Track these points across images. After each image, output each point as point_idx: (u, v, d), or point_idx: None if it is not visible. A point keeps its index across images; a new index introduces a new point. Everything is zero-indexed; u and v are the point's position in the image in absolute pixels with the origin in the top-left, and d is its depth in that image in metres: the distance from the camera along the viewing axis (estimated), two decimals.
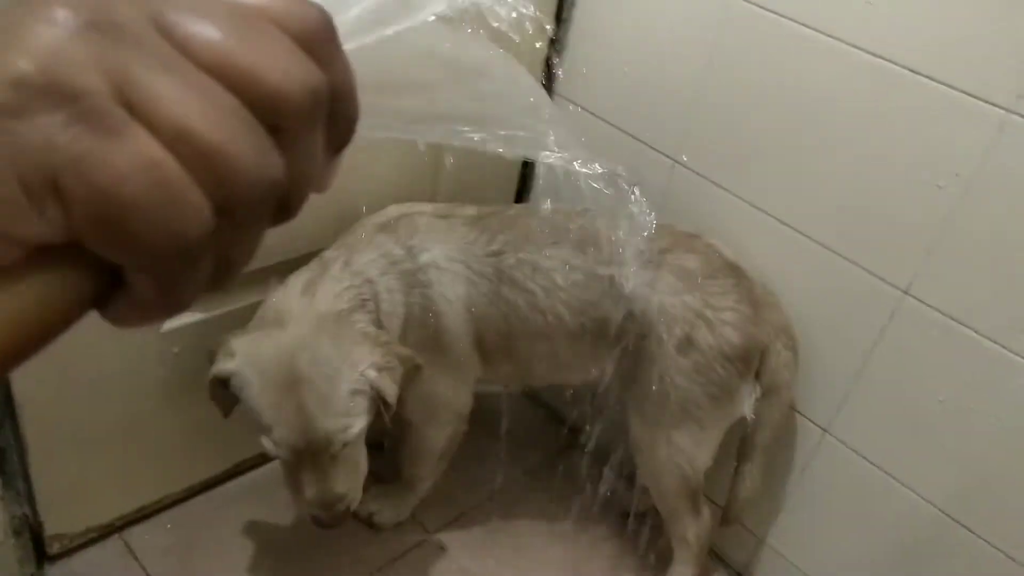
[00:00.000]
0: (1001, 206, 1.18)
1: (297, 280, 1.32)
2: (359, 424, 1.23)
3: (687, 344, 1.36)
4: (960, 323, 1.27)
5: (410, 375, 1.30)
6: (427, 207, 1.48)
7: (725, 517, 1.55)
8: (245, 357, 1.22)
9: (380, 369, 1.23)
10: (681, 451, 1.44)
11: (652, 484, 1.53)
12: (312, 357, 1.20)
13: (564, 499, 1.82)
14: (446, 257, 1.39)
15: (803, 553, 1.62)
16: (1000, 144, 1.16)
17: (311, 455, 1.23)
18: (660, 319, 1.36)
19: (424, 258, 1.38)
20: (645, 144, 1.60)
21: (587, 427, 1.88)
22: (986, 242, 1.21)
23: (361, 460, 1.32)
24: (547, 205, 1.53)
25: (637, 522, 1.79)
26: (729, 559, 1.76)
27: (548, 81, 1.71)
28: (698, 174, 1.53)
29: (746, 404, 1.42)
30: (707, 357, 1.36)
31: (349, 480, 1.29)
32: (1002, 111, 1.15)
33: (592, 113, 1.67)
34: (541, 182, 1.83)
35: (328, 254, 1.37)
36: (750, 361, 1.39)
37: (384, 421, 1.28)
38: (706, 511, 1.56)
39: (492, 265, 1.40)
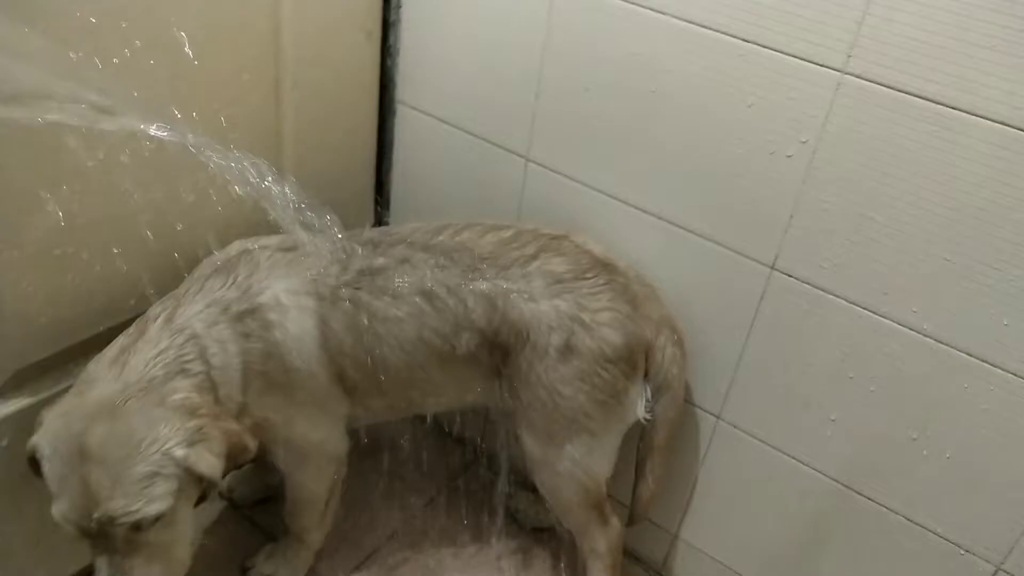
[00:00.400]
0: (849, 169, 1.14)
1: (113, 345, 1.19)
2: (156, 508, 1.08)
3: (567, 351, 1.28)
4: (829, 293, 1.24)
5: (239, 452, 1.18)
6: (273, 240, 1.36)
7: (630, 518, 1.49)
8: (46, 427, 1.10)
9: (193, 443, 1.10)
10: (577, 464, 1.37)
11: (553, 500, 1.46)
12: (105, 433, 1.07)
13: (471, 523, 1.74)
14: (289, 291, 1.26)
15: (715, 542, 1.58)
16: (838, 106, 1.12)
17: (103, 537, 1.09)
18: (536, 329, 1.28)
19: (263, 298, 1.25)
20: (495, 145, 1.51)
21: (483, 445, 1.80)
22: (840, 207, 1.17)
23: (173, 548, 1.15)
24: (409, 224, 1.43)
25: (549, 535, 1.72)
26: (645, 558, 1.71)
27: (385, 89, 1.60)
28: (551, 170, 1.46)
29: (638, 406, 1.35)
30: (589, 362, 1.28)
31: (150, 570, 1.12)
32: (836, 72, 1.10)
33: (438, 119, 1.57)
34: (399, 200, 1.73)
35: (152, 311, 1.24)
36: (635, 361, 1.32)
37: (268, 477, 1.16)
38: (615, 520, 1.49)
39: (347, 296, 1.29)
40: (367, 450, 1.53)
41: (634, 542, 1.67)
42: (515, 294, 1.29)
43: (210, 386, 1.20)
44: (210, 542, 1.65)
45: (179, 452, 1.09)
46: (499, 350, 1.32)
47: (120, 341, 1.20)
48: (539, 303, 1.28)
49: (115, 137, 1.19)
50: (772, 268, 1.27)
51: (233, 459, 1.18)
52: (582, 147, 1.40)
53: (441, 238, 1.34)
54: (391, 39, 1.55)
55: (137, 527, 1.08)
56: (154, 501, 1.08)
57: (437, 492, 1.79)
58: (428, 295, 1.30)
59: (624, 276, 1.34)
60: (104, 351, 1.19)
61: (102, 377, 1.14)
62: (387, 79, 1.59)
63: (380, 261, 1.32)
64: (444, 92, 1.54)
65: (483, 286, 1.29)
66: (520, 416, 1.37)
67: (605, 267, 1.33)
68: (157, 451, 1.08)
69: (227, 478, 1.72)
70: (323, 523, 1.54)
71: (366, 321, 1.29)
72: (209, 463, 1.12)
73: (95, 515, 1.06)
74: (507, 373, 1.34)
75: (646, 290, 1.36)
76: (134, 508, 1.07)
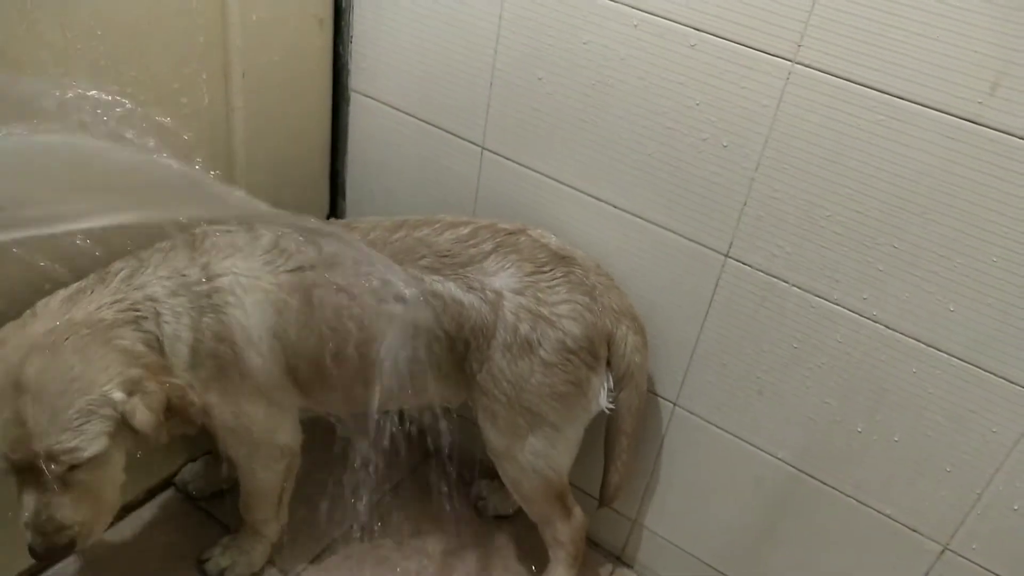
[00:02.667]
0: (799, 157, 1.15)
1: (69, 288, 1.17)
2: (93, 448, 1.08)
3: (528, 345, 1.28)
4: (781, 280, 1.25)
5: (182, 407, 1.16)
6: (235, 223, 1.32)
7: (600, 500, 1.50)
8: None
9: (132, 392, 1.09)
10: (540, 456, 1.37)
11: (516, 492, 1.46)
12: (43, 366, 1.06)
13: (432, 510, 1.73)
14: (249, 276, 1.24)
15: (673, 527, 1.60)
16: (789, 95, 1.12)
17: (32, 472, 1.08)
18: (497, 326, 1.28)
19: (222, 281, 1.23)
20: (451, 133, 1.50)
21: (445, 433, 1.79)
22: (791, 195, 1.18)
23: (104, 490, 1.15)
24: (367, 218, 1.40)
25: (510, 523, 1.73)
26: (605, 543, 1.72)
27: (338, 77, 1.58)
28: (507, 159, 1.45)
29: (601, 396, 1.35)
30: (551, 354, 1.28)
31: (78, 510, 1.12)
32: (787, 62, 1.11)
33: (392, 107, 1.55)
34: (355, 188, 1.71)
35: (114, 265, 1.22)
36: (596, 351, 1.31)
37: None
38: (577, 511, 1.49)
39: (300, 288, 1.28)
40: (325, 439, 1.51)
41: (594, 528, 1.68)
42: (475, 292, 1.28)
43: (158, 347, 1.18)
44: (166, 535, 1.63)
45: (116, 395, 1.08)
46: (460, 346, 1.31)
47: (77, 284, 1.18)
48: (499, 299, 1.28)
49: None
50: (726, 256, 1.28)
51: (176, 414, 1.16)
52: (537, 136, 1.39)
53: (399, 235, 1.33)
54: (344, 26, 1.52)
55: (70, 466, 1.07)
56: (88, 439, 1.07)
57: (400, 480, 1.79)
58: (381, 297, 1.28)
59: (582, 267, 1.34)
60: (57, 292, 1.17)
61: (50, 313, 1.12)
62: (340, 67, 1.57)
63: (333, 256, 1.30)
64: (398, 80, 1.52)
65: (442, 285, 1.28)
66: (483, 410, 1.37)
67: (563, 260, 1.33)
68: (95, 390, 1.07)
69: (183, 471, 1.71)
70: (279, 514, 1.53)
71: (318, 317, 1.28)
72: (143, 416, 1.10)
73: (25, 448, 1.05)
74: (469, 369, 1.33)
75: (604, 280, 1.36)
76: (70, 445, 1.06)
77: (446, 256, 1.29)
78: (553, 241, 1.36)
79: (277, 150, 1.55)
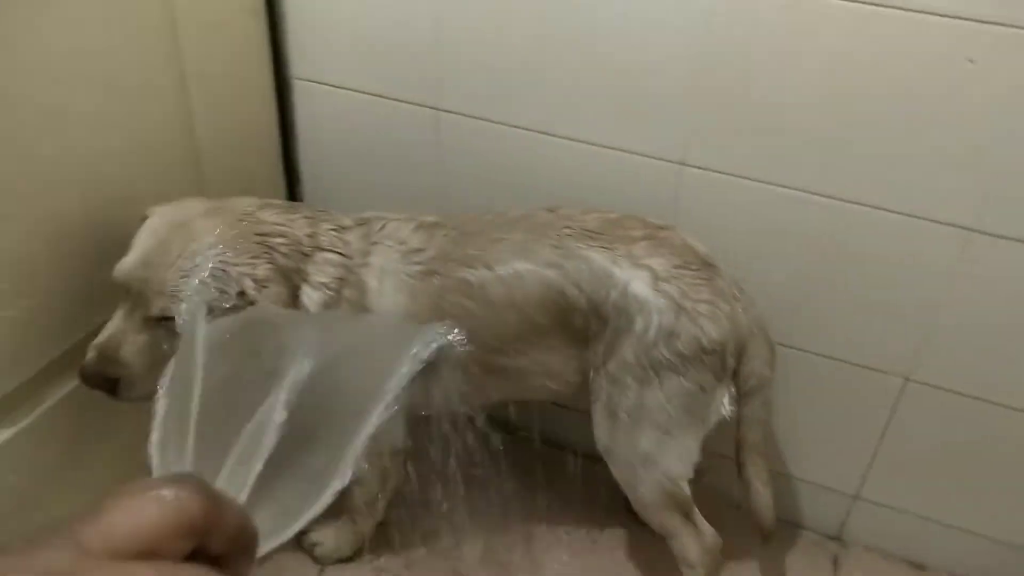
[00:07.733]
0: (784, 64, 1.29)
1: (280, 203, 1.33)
2: (186, 307, 1.10)
3: (666, 335, 1.25)
4: (743, 177, 1.40)
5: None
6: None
7: (762, 534, 1.46)
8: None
9: (260, 282, 1.18)
10: (653, 462, 1.33)
11: (630, 495, 1.42)
12: (211, 226, 1.19)
13: (559, 513, 1.71)
14: (387, 264, 1.30)
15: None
16: None
17: (132, 300, 1.18)
18: (638, 308, 1.25)
19: (372, 259, 1.30)
20: (400, 101, 1.55)
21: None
22: (733, 93, 1.32)
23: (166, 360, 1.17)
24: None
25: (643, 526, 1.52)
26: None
27: (279, 66, 1.61)
28: (466, 115, 1.51)
29: (723, 406, 1.33)
30: (685, 348, 1.25)
31: (132, 350, 1.19)
32: None
33: (338, 87, 1.60)
34: (310, 174, 1.75)
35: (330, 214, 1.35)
36: (726, 360, 1.29)
37: None
38: (709, 529, 1.42)
39: (430, 280, 1.29)
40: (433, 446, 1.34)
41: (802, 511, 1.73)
42: (624, 270, 1.26)
43: (288, 279, 1.23)
44: None
45: (247, 282, 1.18)
46: (594, 325, 1.29)
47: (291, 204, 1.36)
48: (646, 283, 1.25)
49: None
50: (682, 164, 1.41)
51: None
52: (495, 85, 1.46)
53: (544, 215, 1.34)
54: (278, 15, 1.55)
55: (165, 316, 1.17)
56: (192, 300, 1.13)
57: (514, 489, 1.61)
58: (526, 256, 1.28)
59: (723, 279, 1.31)
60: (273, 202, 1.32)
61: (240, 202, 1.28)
62: (280, 56, 1.60)
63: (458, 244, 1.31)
64: (339, 57, 1.56)
65: (588, 251, 1.27)
66: (603, 403, 1.33)
67: (708, 265, 1.31)
68: (215, 259, 1.16)
69: None
70: (373, 508, 1.54)
71: (448, 304, 1.28)
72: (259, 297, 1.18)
73: (133, 273, 1.19)
74: (595, 352, 1.30)
75: (738, 293, 1.33)
76: (170, 286, 1.17)
77: (593, 233, 1.29)
78: (700, 247, 1.34)
79: (233, 147, 1.58)
